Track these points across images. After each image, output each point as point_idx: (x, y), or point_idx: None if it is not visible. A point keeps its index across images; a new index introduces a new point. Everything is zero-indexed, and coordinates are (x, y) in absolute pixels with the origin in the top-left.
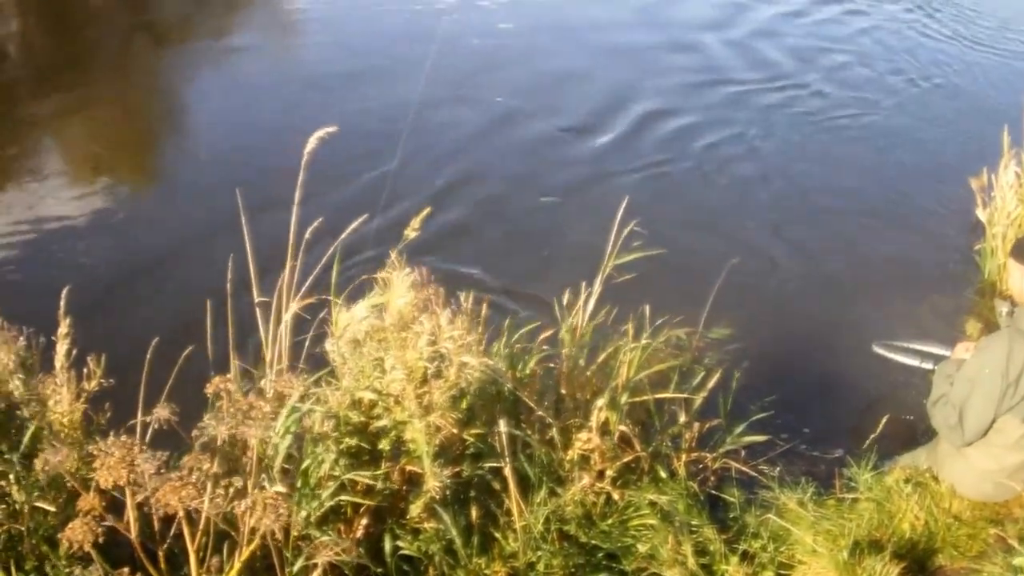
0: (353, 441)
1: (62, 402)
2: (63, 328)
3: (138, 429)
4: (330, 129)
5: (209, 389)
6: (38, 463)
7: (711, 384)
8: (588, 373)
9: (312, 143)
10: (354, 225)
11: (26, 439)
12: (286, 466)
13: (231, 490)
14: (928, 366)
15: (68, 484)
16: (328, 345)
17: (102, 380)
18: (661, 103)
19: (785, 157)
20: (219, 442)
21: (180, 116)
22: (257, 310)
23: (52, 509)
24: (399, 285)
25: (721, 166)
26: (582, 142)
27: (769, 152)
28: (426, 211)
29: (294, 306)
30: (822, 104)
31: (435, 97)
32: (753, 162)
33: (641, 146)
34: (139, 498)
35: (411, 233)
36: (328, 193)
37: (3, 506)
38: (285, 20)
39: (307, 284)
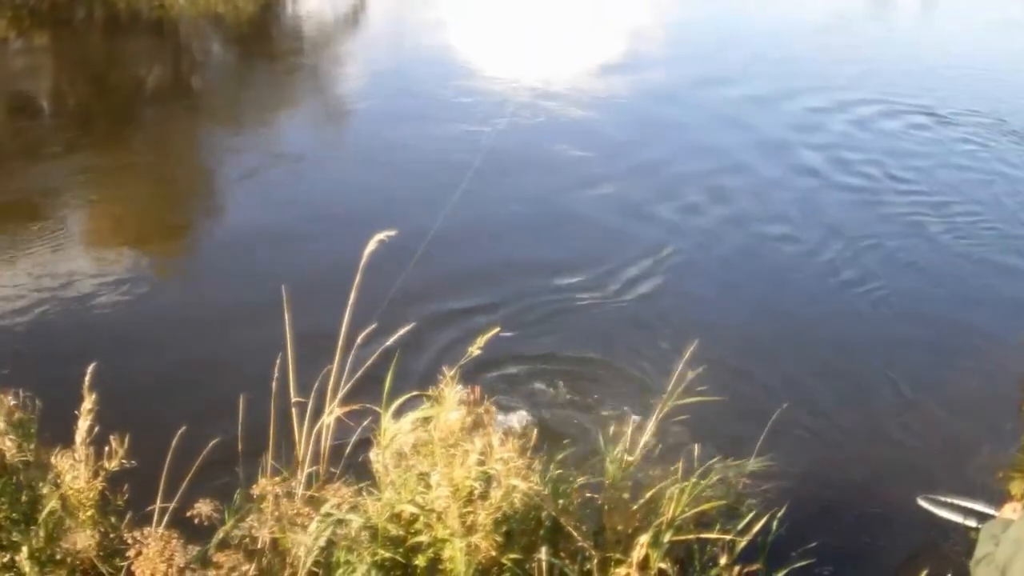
0: (388, 554)
1: (79, 478)
2: (87, 403)
3: (156, 516)
4: (391, 233)
5: (255, 490)
6: (65, 543)
7: (757, 528)
8: (634, 507)
9: (372, 245)
10: (401, 332)
11: (43, 515)
12: (315, 570)
13: None
14: (972, 524)
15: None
16: (372, 455)
17: (124, 460)
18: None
19: (833, 306)
20: (260, 544)
21: (217, 198)
22: (293, 410)
23: None
24: (450, 400)
25: (779, 303)
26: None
27: (821, 295)
28: (495, 330)
29: (337, 411)
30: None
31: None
32: (806, 311)
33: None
34: None
35: (475, 351)
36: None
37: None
38: (329, 106)
39: (346, 387)
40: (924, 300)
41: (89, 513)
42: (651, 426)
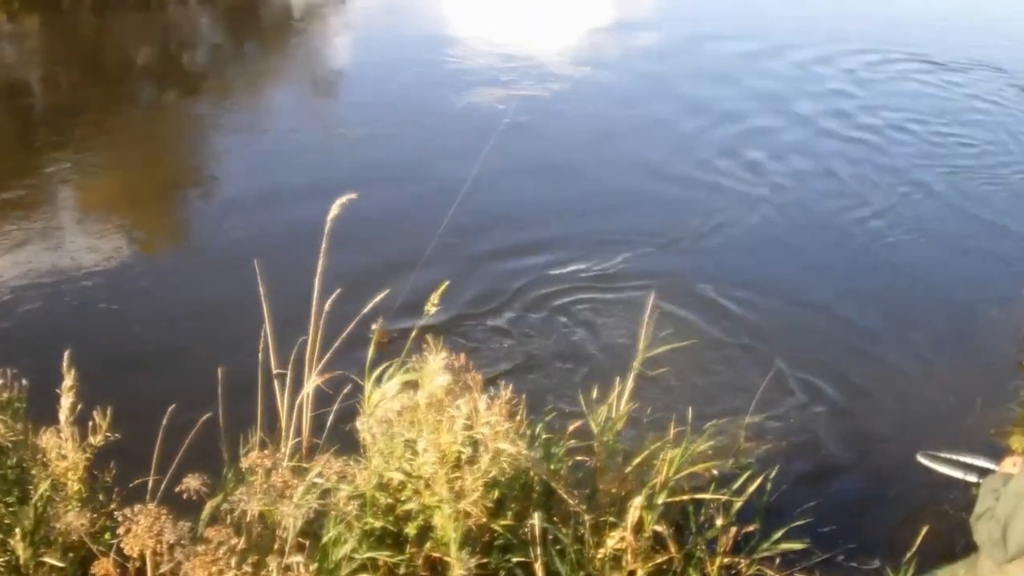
0: (379, 523)
1: (67, 456)
2: (68, 381)
3: (149, 492)
4: (351, 196)
5: (244, 463)
6: (58, 524)
7: (753, 488)
8: (626, 470)
9: (335, 210)
10: (376, 300)
11: (35, 498)
12: (301, 540)
13: (261, 569)
14: (973, 479)
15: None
16: (359, 423)
17: (108, 435)
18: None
19: (834, 263)
20: (248, 517)
21: (208, 173)
22: (275, 381)
23: (62, 565)
24: (434, 366)
25: (771, 268)
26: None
27: (822, 257)
28: (444, 285)
29: (317, 380)
30: (864, 206)
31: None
32: (805, 264)
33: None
34: (161, 568)
35: (430, 309)
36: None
37: (5, 558)
38: (319, 78)
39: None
40: (927, 255)
41: (77, 489)
42: (629, 383)
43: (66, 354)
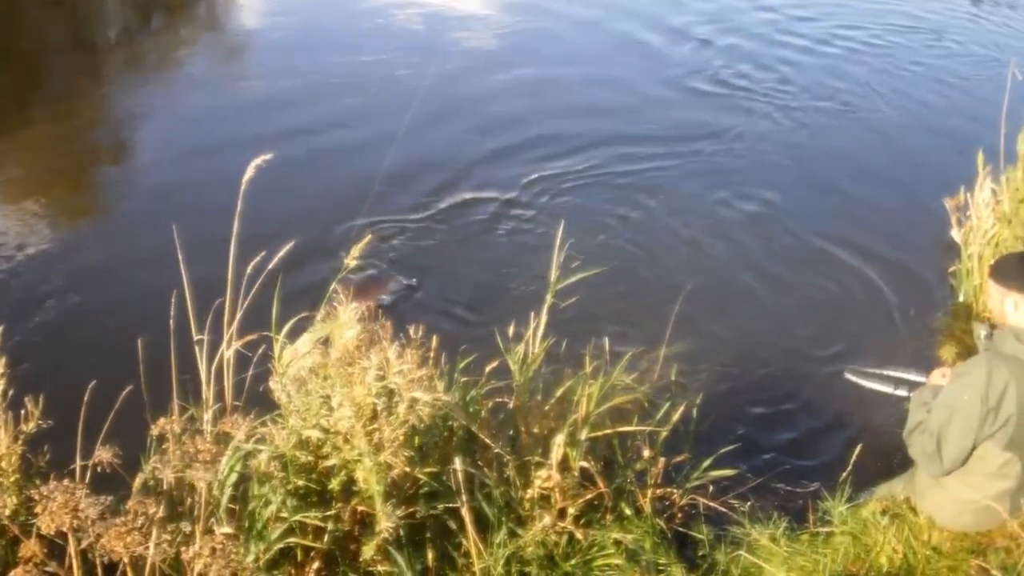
0: (301, 482)
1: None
2: None
3: (78, 472)
4: (266, 157)
5: (154, 431)
6: None
7: (676, 417)
8: (546, 408)
9: (250, 171)
10: (282, 252)
11: None
12: (232, 506)
13: (178, 535)
14: (903, 393)
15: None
16: (272, 383)
17: (40, 421)
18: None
19: (754, 176)
20: (165, 485)
21: (122, 145)
22: (196, 348)
23: None
24: (344, 318)
25: (681, 189)
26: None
27: (736, 171)
28: (367, 238)
29: (235, 343)
30: (790, 119)
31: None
32: (718, 184)
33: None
34: (83, 544)
35: (351, 262)
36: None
37: None
38: (230, 44)
39: (239, 318)
40: (845, 166)
41: (13, 479)
42: (543, 317)
43: None
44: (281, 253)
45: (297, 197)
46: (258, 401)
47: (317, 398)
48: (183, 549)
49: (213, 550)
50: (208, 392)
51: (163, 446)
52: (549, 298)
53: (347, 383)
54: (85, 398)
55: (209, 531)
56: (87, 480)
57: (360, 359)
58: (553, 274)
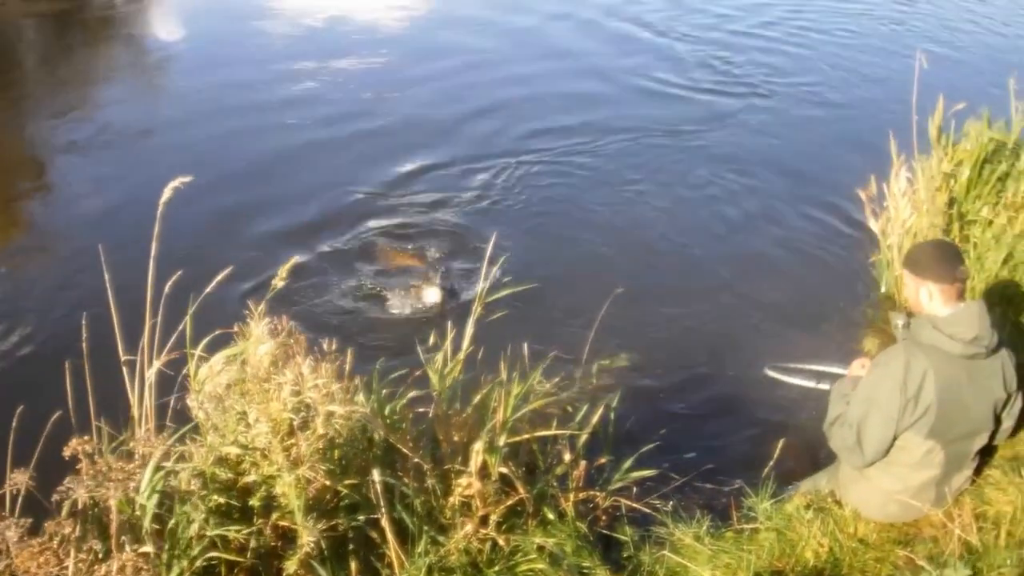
0: (222, 499)
1: None
2: None
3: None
4: (185, 179)
5: (67, 451)
6: None
7: (596, 419)
8: (464, 415)
9: (167, 193)
10: (219, 278)
11: None
12: (157, 526)
13: (94, 555)
14: (825, 387)
15: None
16: (190, 400)
17: None
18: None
19: (665, 173)
20: (80, 505)
21: (43, 168)
22: (124, 369)
23: None
24: (258, 334)
25: (595, 190)
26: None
27: (648, 170)
28: (292, 261)
29: (156, 363)
30: (697, 116)
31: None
32: (631, 185)
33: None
34: (0, 567)
35: (279, 283)
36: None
37: None
38: (149, 61)
39: (170, 339)
40: (761, 161)
41: None
42: (470, 328)
43: None
44: (219, 278)
45: (223, 215)
46: (183, 420)
47: (234, 415)
48: (98, 569)
49: (130, 568)
50: (139, 411)
51: (78, 467)
52: (477, 309)
53: (263, 399)
54: (13, 424)
55: (123, 549)
56: (18, 506)
57: (275, 375)
58: (481, 285)
